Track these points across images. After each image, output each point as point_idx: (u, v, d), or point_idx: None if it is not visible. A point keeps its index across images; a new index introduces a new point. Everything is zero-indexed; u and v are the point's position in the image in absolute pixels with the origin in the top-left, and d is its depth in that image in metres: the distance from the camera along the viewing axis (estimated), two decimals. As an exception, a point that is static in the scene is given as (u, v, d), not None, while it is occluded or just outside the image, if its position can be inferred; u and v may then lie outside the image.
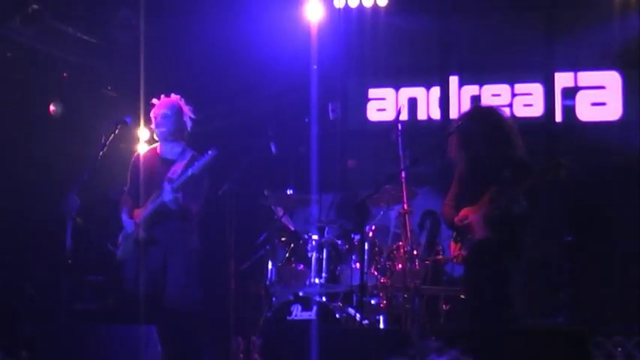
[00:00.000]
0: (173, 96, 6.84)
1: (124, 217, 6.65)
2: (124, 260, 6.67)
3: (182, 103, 6.82)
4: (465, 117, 6.46)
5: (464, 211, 6.25)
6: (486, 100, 10.05)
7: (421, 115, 10.32)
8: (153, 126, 6.75)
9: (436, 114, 10.28)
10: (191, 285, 6.67)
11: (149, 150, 6.90)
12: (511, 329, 5.99)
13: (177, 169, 6.64)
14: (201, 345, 7.22)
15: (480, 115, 6.40)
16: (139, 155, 6.85)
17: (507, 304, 6.13)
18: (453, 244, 6.45)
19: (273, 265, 7.62)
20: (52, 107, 9.30)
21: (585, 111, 9.95)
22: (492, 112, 6.47)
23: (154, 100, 6.82)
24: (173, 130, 6.73)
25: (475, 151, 6.26)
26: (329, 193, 8.77)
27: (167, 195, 6.45)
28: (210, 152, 6.41)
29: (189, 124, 6.83)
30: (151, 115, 6.79)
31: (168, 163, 6.72)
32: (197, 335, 6.92)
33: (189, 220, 6.72)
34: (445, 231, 8.76)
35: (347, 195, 9.68)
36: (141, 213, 6.59)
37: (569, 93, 9.99)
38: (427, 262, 7.80)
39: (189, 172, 6.42)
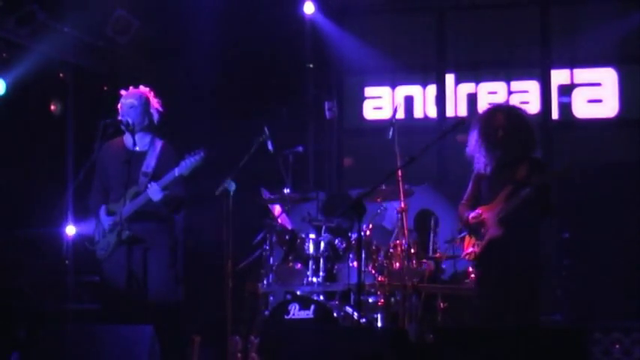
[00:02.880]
0: (142, 87, 6.77)
1: (102, 214, 6.59)
2: (105, 259, 6.61)
3: (150, 94, 6.73)
4: (487, 114, 6.45)
5: (479, 209, 6.27)
6: (482, 98, 10.07)
7: (417, 114, 10.33)
8: (119, 117, 6.62)
9: (432, 112, 10.28)
10: (173, 280, 6.63)
11: (114, 143, 6.71)
12: (508, 326, 6.00)
13: (150, 161, 6.58)
14: (188, 338, 7.21)
15: (503, 113, 6.38)
16: (104, 148, 6.66)
17: (520, 303, 6.16)
18: (466, 241, 6.46)
19: (270, 264, 7.61)
20: (52, 107, 9.29)
21: (582, 108, 9.95)
22: (515, 110, 6.47)
23: (122, 92, 6.74)
24: (139, 120, 6.60)
25: (495, 149, 6.27)
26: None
27: (156, 195, 6.40)
28: (199, 153, 6.35)
29: (156, 116, 6.71)
30: (118, 105, 6.71)
31: (138, 155, 6.60)
32: (184, 330, 6.90)
33: (178, 213, 6.68)
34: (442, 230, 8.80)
35: (333, 195, 9.70)
36: (120, 209, 6.51)
37: (566, 90, 10.00)
38: (424, 261, 7.81)
39: (176, 172, 6.36)
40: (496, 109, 6.45)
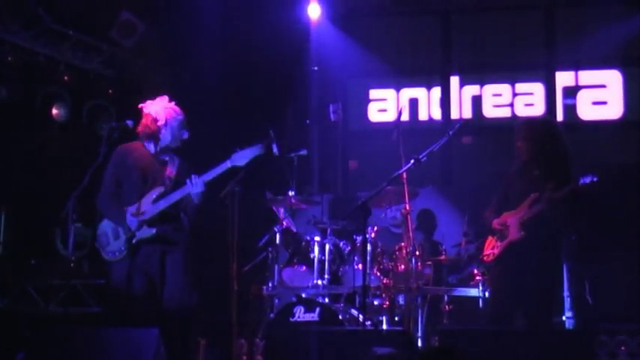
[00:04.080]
0: (169, 100, 6.76)
1: (129, 216, 6.55)
2: (118, 261, 6.53)
3: None
4: (521, 126, 6.53)
5: (504, 216, 6.35)
6: (487, 100, 10.07)
7: (422, 116, 10.33)
8: (176, 130, 6.63)
9: (437, 114, 10.28)
10: (189, 285, 6.61)
11: (135, 147, 6.66)
12: (514, 329, 6.03)
13: (171, 169, 6.59)
14: (198, 345, 7.19)
15: (531, 126, 6.47)
16: (125, 152, 6.63)
17: (531, 304, 6.22)
18: (487, 243, 6.52)
19: (275, 266, 7.61)
20: (54, 111, 9.31)
21: (586, 110, 9.95)
22: (547, 124, 6.55)
23: (171, 104, 6.70)
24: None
25: (525, 159, 6.37)
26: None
27: (197, 187, 6.35)
28: (258, 146, 6.35)
29: None
30: (176, 119, 6.69)
31: (162, 163, 6.64)
32: (195, 335, 6.88)
33: (193, 217, 6.67)
34: (441, 230, 8.83)
35: (339, 196, 9.70)
36: (146, 210, 6.45)
37: (570, 92, 9.99)
38: (429, 262, 7.82)
39: (229, 164, 6.32)
40: (528, 123, 6.54)
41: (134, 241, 6.42)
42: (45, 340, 5.85)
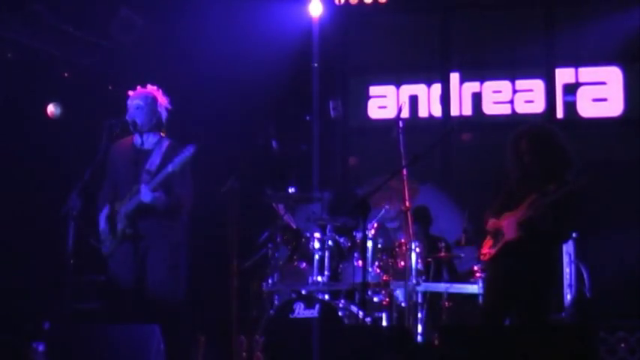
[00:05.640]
0: (149, 86, 6.76)
1: (102, 216, 6.60)
2: (110, 256, 6.61)
3: (158, 93, 6.71)
4: (513, 139, 6.51)
5: (504, 216, 6.35)
6: (487, 97, 10.07)
7: (422, 113, 10.32)
8: (127, 117, 6.63)
9: (437, 111, 10.28)
10: (173, 280, 6.60)
11: (124, 141, 6.74)
12: (514, 325, 6.03)
13: (155, 159, 6.58)
14: (190, 340, 7.20)
15: (528, 138, 6.45)
16: (115, 148, 6.70)
17: (521, 305, 6.22)
18: (485, 242, 6.53)
19: (275, 263, 7.61)
20: (49, 109, 9.29)
21: (586, 107, 9.94)
22: (543, 134, 6.53)
23: (130, 92, 6.74)
24: (146, 120, 6.62)
25: (523, 171, 6.36)
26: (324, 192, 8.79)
27: (146, 196, 6.38)
28: (189, 148, 6.33)
29: (164, 114, 6.72)
30: (127, 106, 6.72)
31: (145, 153, 6.60)
32: (185, 331, 6.89)
33: (181, 212, 6.65)
34: (440, 226, 8.82)
35: (339, 193, 9.69)
36: (122, 207, 6.52)
37: (570, 89, 9.98)
38: (429, 259, 7.83)
39: (170, 168, 6.34)
40: (521, 135, 6.49)
41: (119, 236, 6.48)
42: (46, 337, 5.86)
